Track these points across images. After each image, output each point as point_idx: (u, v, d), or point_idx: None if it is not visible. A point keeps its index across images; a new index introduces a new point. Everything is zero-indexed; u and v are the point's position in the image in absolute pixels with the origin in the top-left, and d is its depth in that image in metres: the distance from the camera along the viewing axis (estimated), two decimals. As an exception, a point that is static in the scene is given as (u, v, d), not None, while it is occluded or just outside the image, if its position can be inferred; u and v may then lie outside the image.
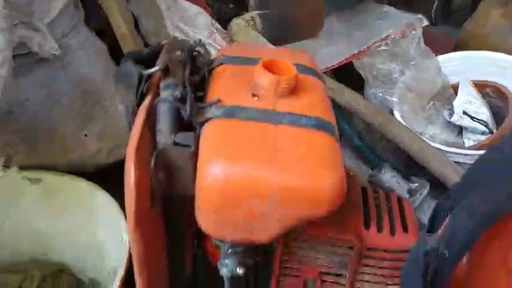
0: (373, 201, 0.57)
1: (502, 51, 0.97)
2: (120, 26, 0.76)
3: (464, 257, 0.59)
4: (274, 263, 0.56)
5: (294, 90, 0.44)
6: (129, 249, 0.49)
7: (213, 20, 1.10)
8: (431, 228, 0.48)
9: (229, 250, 0.45)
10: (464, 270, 0.58)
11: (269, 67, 0.43)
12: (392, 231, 0.53)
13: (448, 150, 0.82)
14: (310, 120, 0.41)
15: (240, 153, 0.38)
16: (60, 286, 0.64)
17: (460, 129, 0.94)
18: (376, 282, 0.55)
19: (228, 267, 0.46)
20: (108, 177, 0.63)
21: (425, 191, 0.73)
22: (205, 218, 0.39)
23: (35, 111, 0.65)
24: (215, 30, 1.07)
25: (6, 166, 0.47)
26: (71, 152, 0.70)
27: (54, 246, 0.65)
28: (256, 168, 0.37)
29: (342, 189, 0.39)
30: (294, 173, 0.37)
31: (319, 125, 0.42)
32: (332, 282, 0.57)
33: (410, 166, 0.86)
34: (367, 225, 0.53)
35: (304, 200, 0.38)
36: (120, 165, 0.83)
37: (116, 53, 0.88)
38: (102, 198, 0.58)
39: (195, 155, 0.40)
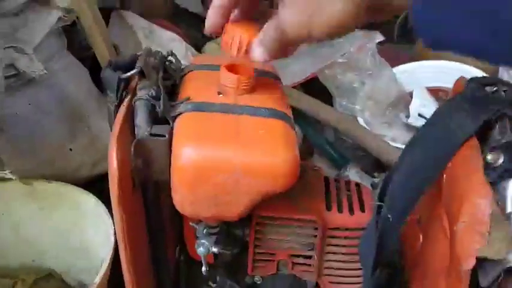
0: (334, 188, 0.64)
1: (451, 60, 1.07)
2: (104, 54, 0.83)
3: (420, 236, 0.66)
4: (250, 248, 0.61)
5: (253, 89, 0.51)
6: (114, 245, 0.55)
7: (188, 45, 1.18)
8: (381, 200, 0.55)
9: (205, 230, 0.51)
10: (418, 249, 0.65)
11: (231, 69, 0.50)
12: (351, 211, 0.60)
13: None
14: (267, 111, 0.48)
15: (208, 137, 0.44)
16: (49, 290, 0.67)
17: (418, 131, 1.02)
18: (341, 261, 0.61)
19: (204, 245, 0.51)
20: (92, 190, 0.68)
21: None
22: (181, 197, 0.45)
23: (23, 126, 0.70)
24: (190, 54, 1.16)
25: (1, 170, 0.52)
26: (57, 164, 0.76)
27: (43, 252, 0.69)
28: (221, 148, 0.44)
29: (295, 166, 0.45)
30: (253, 151, 0.44)
31: (275, 114, 0.49)
32: (302, 263, 0.62)
33: (374, 165, 0.94)
34: (328, 207, 0.60)
35: (262, 174, 0.44)
36: (102, 178, 0.88)
37: (97, 78, 0.95)
38: (90, 202, 0.63)
39: (169, 144, 0.46)
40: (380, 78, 0.99)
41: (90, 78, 0.92)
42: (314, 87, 1.09)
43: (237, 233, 0.62)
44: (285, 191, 0.46)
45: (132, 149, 0.44)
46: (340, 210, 0.60)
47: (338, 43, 1.14)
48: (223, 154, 0.43)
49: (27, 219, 0.67)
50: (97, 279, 0.50)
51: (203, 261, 0.54)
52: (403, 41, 1.48)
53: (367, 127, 0.97)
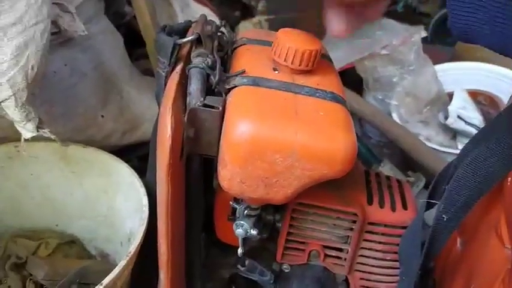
0: (375, 181, 0.61)
1: (493, 63, 1.04)
2: (145, 16, 0.81)
3: (458, 240, 0.63)
4: (281, 235, 0.59)
5: (310, 69, 0.48)
6: (148, 217, 0.53)
7: (223, 21, 1.15)
8: (431, 199, 0.52)
9: (246, 211, 0.49)
10: (457, 252, 0.63)
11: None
12: (393, 208, 0.57)
13: (442, 150, 0.87)
14: (326, 94, 0.46)
15: (266, 113, 0.42)
16: (71, 256, 0.66)
17: (454, 134, 0.99)
18: (375, 258, 0.59)
19: (243, 227, 0.49)
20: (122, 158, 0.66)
21: (422, 184, 0.78)
22: (230, 174, 0.43)
23: (58, 87, 0.68)
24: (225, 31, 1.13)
25: (40, 127, 0.50)
26: (88, 130, 0.74)
27: (67, 218, 0.68)
28: (279, 126, 0.41)
29: (353, 152, 0.43)
30: (313, 133, 0.42)
31: (335, 98, 0.46)
32: (334, 256, 0.60)
33: (407, 164, 0.91)
34: (370, 201, 0.57)
35: (320, 158, 0.42)
36: (132, 147, 0.86)
37: (129, 47, 0.93)
38: (123, 171, 0.61)
39: (221, 117, 0.44)
40: (421, 74, 0.96)
41: (124, 46, 0.90)
42: (345, 79, 1.06)
43: (268, 218, 0.60)
44: (337, 177, 0.44)
45: (186, 118, 0.42)
46: (381, 205, 0.57)
47: (378, 35, 1.10)
48: (282, 133, 0.41)
49: (56, 183, 0.65)
50: (132, 249, 0.48)
51: (240, 243, 0.52)
52: (437, 41, 1.44)
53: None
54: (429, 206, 0.54)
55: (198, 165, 0.47)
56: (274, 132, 0.41)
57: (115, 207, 0.64)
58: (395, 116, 0.97)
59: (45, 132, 0.50)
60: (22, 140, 0.52)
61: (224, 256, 0.85)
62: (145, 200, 0.55)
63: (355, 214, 0.55)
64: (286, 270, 0.61)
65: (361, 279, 0.61)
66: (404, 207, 0.58)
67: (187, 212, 0.50)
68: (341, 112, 0.45)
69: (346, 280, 0.62)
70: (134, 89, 0.86)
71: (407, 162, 0.93)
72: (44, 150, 0.63)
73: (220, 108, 0.43)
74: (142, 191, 0.56)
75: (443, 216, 0.45)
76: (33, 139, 0.64)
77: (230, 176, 0.43)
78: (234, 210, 0.55)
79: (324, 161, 0.42)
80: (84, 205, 0.66)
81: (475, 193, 0.43)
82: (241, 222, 0.49)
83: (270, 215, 0.61)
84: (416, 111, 0.97)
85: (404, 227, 0.56)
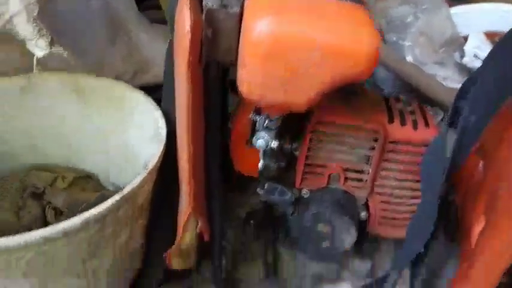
0: (395, 103, 0.60)
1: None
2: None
3: (480, 163, 0.62)
4: (300, 159, 0.58)
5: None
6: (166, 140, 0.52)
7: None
8: (453, 116, 0.51)
9: (266, 122, 0.48)
10: (479, 175, 0.62)
11: None
12: (415, 126, 0.56)
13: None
14: (348, -2, 0.44)
15: (286, 9, 0.40)
16: (88, 190, 0.66)
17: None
18: (396, 179, 0.58)
19: (264, 139, 0.48)
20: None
21: (439, 118, 0.76)
22: (250, 76, 0.42)
23: (70, 28, 0.67)
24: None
25: (52, 44, 0.49)
26: (99, 71, 0.72)
27: (81, 153, 0.67)
28: (301, 22, 0.40)
29: (377, 52, 0.41)
30: (336, 30, 0.40)
31: (357, 1, 0.44)
32: (354, 178, 0.59)
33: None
34: (391, 119, 0.56)
35: (344, 56, 0.40)
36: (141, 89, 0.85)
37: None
38: (138, 99, 0.59)
39: (240, 19, 0.42)
40: (436, 14, 0.93)
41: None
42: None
43: (285, 146, 0.59)
44: (361, 78, 0.42)
45: (204, 17, 0.41)
46: (403, 123, 0.56)
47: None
48: (305, 29, 0.40)
49: (69, 116, 0.64)
50: (150, 166, 0.47)
51: (260, 156, 0.51)
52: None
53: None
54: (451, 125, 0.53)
55: (216, 73, 0.46)
56: (296, 27, 0.39)
57: (130, 139, 0.63)
58: (409, 59, 0.94)
59: (59, 50, 0.49)
60: (35, 62, 0.51)
61: (240, 196, 0.85)
62: (162, 122, 0.54)
63: (377, 131, 0.54)
64: (306, 196, 0.61)
65: (382, 202, 0.61)
66: (427, 125, 0.56)
67: (206, 127, 0.49)
68: (365, 14, 0.43)
69: (366, 204, 0.62)
70: (143, 32, 0.85)
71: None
72: (56, 82, 0.62)
73: (238, 8, 0.42)
74: (158, 113, 0.55)
75: (470, 117, 0.43)
76: (45, 70, 0.63)
77: (250, 78, 0.42)
78: (253, 128, 0.54)
79: (348, 58, 0.40)
80: (98, 139, 0.66)
81: (499, 95, 0.42)
82: (262, 133, 0.48)
83: (287, 144, 0.60)
84: (431, 52, 0.94)
85: (426, 145, 0.55)
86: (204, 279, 0.65)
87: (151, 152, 0.53)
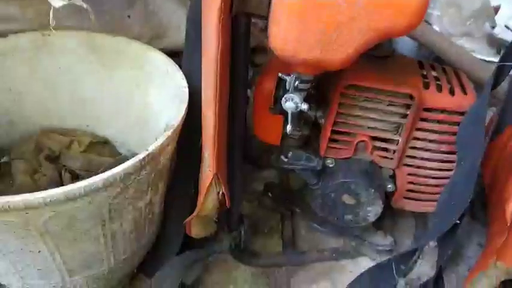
0: (430, 69, 0.57)
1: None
2: None
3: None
4: (326, 126, 0.55)
5: None
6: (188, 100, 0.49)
7: None
8: (496, 83, 0.48)
9: (297, 83, 0.45)
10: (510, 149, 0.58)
11: None
12: (451, 92, 0.53)
13: (488, 59, 0.82)
14: None
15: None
16: (104, 155, 0.64)
17: (499, 49, 0.92)
18: (428, 150, 0.55)
19: (293, 100, 0.45)
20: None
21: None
22: (285, 30, 0.38)
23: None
24: None
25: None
26: (116, 31, 0.69)
27: (98, 117, 0.65)
28: (343, -31, 0.36)
29: (426, 3, 0.38)
30: (382, -23, 0.37)
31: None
32: (383, 148, 0.57)
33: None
34: (426, 85, 0.53)
35: (390, 6, 0.37)
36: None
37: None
38: (157, 59, 0.56)
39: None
40: (467, -18, 0.88)
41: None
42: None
43: (308, 113, 0.57)
44: (407, 32, 0.39)
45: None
46: (439, 89, 0.53)
47: None
48: (346, -24, 0.36)
49: (86, 77, 0.62)
50: (175, 123, 0.44)
51: (289, 119, 0.48)
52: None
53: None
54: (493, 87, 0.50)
55: (244, 27, 0.43)
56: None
57: (149, 102, 0.60)
58: (437, 28, 0.90)
59: (77, 1, 0.46)
60: (51, 16, 0.48)
61: (257, 171, 0.83)
62: (184, 82, 0.51)
63: (411, 97, 0.51)
64: (331, 165, 0.58)
65: (409, 174, 0.58)
66: (464, 92, 0.53)
67: (231, 86, 0.46)
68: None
69: (393, 176, 0.59)
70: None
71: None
72: (72, 40, 0.59)
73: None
74: (179, 75, 0.52)
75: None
76: (62, 27, 0.60)
77: (284, 33, 0.39)
78: (276, 93, 0.51)
79: (394, 9, 0.37)
80: (116, 102, 0.63)
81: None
82: (292, 95, 0.45)
83: (312, 111, 0.57)
84: (460, 22, 0.90)
85: (462, 113, 0.52)
86: (222, 249, 0.63)
87: (173, 113, 0.51)
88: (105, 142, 0.66)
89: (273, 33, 0.40)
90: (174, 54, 0.65)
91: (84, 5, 0.46)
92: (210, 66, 0.40)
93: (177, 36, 0.87)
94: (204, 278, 0.62)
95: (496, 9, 0.95)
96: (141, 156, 0.40)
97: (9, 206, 0.36)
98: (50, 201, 0.37)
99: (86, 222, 0.43)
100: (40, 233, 0.42)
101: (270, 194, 0.74)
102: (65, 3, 0.46)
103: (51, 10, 0.48)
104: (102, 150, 0.64)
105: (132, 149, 0.67)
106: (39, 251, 0.44)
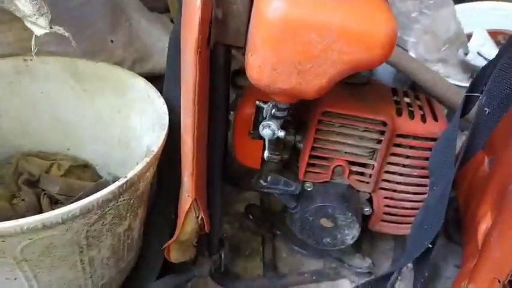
0: (403, 96, 0.59)
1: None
2: None
3: (485, 159, 0.61)
4: (304, 151, 0.57)
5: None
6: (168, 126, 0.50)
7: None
8: (464, 111, 0.50)
9: (274, 110, 0.46)
10: (485, 172, 0.61)
11: None
12: (423, 119, 0.55)
13: (463, 85, 0.85)
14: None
15: (301, -9, 0.39)
16: (84, 179, 0.64)
17: (472, 73, 0.96)
18: (401, 174, 0.57)
19: (270, 127, 0.47)
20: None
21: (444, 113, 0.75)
22: (261, 60, 0.40)
23: (67, 4, 0.65)
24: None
25: (52, 23, 0.46)
26: (98, 55, 0.70)
27: (79, 141, 0.65)
28: (316, 4, 0.38)
29: (393, 38, 0.40)
30: (352, 12, 0.39)
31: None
32: (359, 172, 0.58)
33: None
34: (399, 112, 0.55)
35: (359, 39, 0.39)
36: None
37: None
38: (138, 85, 0.57)
39: (250, 1, 0.41)
40: (441, 11, 0.92)
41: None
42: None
43: (288, 138, 0.58)
44: (377, 64, 0.41)
45: (214, -1, 0.39)
46: (411, 117, 0.55)
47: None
48: (318, 11, 0.38)
49: (67, 102, 0.62)
50: (155, 149, 0.45)
51: (266, 145, 0.49)
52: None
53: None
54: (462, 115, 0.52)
55: (223, 57, 0.44)
56: (310, 9, 0.38)
57: (130, 127, 0.61)
58: (413, 55, 0.94)
59: (59, 30, 0.47)
60: (33, 42, 0.49)
61: (238, 192, 0.84)
62: (164, 108, 0.52)
63: (384, 124, 0.53)
64: (309, 189, 0.59)
65: (386, 197, 0.59)
66: (435, 119, 0.55)
67: (211, 108, 0.47)
68: (383, 1, 0.42)
69: (370, 199, 0.61)
70: (144, 19, 0.83)
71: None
72: (54, 66, 0.60)
73: (250, -12, 0.40)
74: (160, 101, 0.53)
75: (486, 109, 0.42)
76: (43, 53, 0.61)
77: (260, 62, 0.40)
78: (256, 118, 0.53)
79: (363, 43, 0.39)
80: (97, 127, 0.64)
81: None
82: (269, 122, 0.47)
83: (290, 135, 0.59)
84: (435, 49, 0.93)
85: (434, 139, 0.54)
86: (202, 274, 0.63)
87: (153, 139, 0.52)
88: (85, 166, 0.66)
89: (249, 63, 0.41)
90: (158, 78, 0.66)
91: (66, 34, 0.47)
92: (188, 94, 0.41)
93: (160, 60, 0.88)
94: (184, 303, 0.62)
95: (469, 36, 1.00)
96: (119, 183, 0.40)
97: (-16, 234, 0.36)
98: (27, 228, 0.38)
99: (64, 249, 0.43)
100: (16, 260, 0.42)
101: (251, 216, 0.75)
102: (46, 31, 0.47)
103: (33, 37, 0.49)
104: (83, 174, 0.64)
105: (113, 172, 0.68)
106: (15, 278, 0.43)
